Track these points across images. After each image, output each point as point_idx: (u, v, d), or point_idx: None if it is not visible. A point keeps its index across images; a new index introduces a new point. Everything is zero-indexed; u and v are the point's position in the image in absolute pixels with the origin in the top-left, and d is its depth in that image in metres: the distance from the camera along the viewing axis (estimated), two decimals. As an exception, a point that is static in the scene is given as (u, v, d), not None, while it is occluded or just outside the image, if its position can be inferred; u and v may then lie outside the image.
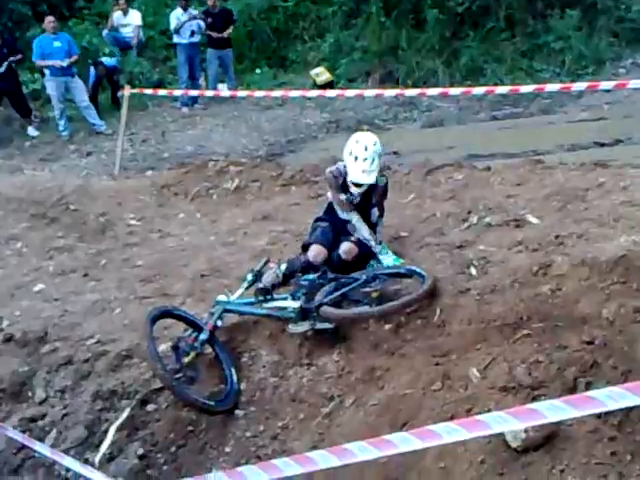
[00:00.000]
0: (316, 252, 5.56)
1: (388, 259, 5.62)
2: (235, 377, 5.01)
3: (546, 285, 4.79)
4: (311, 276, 5.31)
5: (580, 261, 4.87)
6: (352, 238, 5.64)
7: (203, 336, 5.08)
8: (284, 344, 5.18)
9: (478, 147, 10.21)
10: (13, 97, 12.89)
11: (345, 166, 5.63)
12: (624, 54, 14.82)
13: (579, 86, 9.84)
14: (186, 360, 4.92)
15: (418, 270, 5.25)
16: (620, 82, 9.37)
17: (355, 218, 5.71)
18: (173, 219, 7.89)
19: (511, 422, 2.93)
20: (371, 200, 5.72)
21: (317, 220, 5.92)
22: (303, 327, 5.03)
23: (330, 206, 5.92)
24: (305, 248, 5.70)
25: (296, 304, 5.13)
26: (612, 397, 2.69)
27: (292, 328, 5.07)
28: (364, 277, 5.28)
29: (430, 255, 5.67)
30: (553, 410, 2.80)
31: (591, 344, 4.27)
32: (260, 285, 5.37)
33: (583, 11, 15.06)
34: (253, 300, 5.33)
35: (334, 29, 15.67)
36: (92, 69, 13.56)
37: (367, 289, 5.14)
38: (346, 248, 5.56)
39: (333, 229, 5.74)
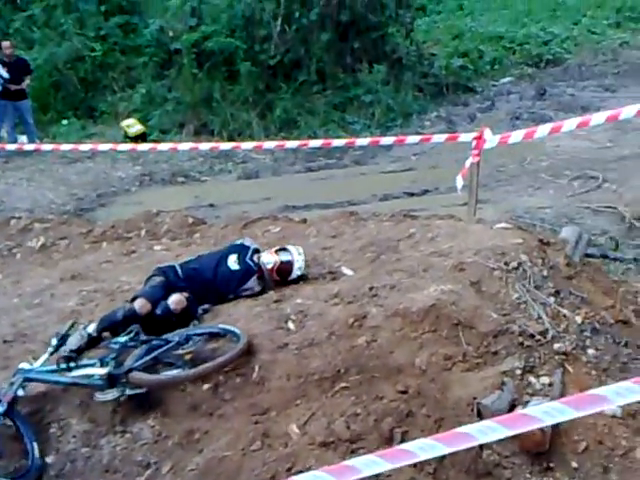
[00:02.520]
0: (141, 304, 5.48)
1: None
2: (37, 451, 4.68)
3: (362, 337, 4.85)
4: (122, 338, 5.07)
5: (393, 312, 4.97)
6: (184, 293, 5.57)
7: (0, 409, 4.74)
8: (96, 412, 4.89)
9: (294, 198, 10.38)
10: None
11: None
12: (429, 107, 15.71)
13: (387, 140, 10.25)
14: None
15: (232, 329, 5.11)
16: (425, 137, 9.85)
17: None
18: (-29, 281, 7.35)
19: (328, 480, 2.91)
20: None
21: (152, 274, 5.87)
22: (112, 395, 4.79)
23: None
24: (134, 300, 5.60)
25: (103, 371, 4.87)
26: (423, 448, 2.76)
27: (99, 397, 4.82)
28: (177, 338, 5.08)
29: (248, 310, 5.60)
30: (368, 465, 2.84)
31: (405, 393, 4.38)
32: (63, 351, 5.12)
33: (390, 66, 15.87)
34: (56, 367, 5.03)
35: (145, 80, 15.48)
36: None
37: (180, 351, 4.96)
38: (176, 299, 5.49)
39: (166, 285, 5.65)
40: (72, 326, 5.27)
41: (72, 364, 5.01)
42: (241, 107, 14.80)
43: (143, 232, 7.76)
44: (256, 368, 4.86)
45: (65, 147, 10.70)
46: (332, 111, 15.06)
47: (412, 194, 10.69)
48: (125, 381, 4.79)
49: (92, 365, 5.00)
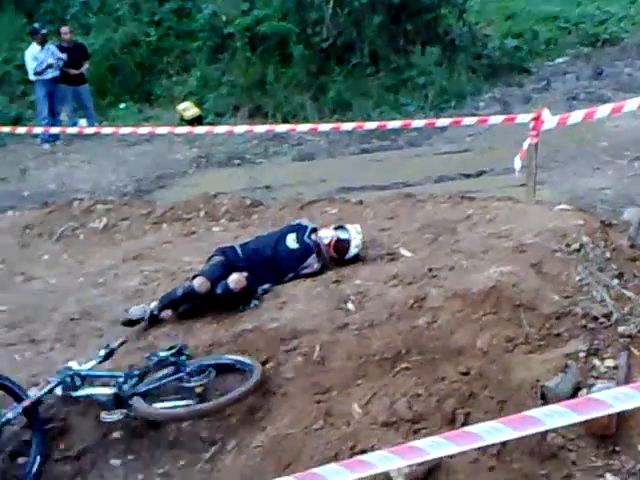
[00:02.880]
0: (200, 282, 5.57)
1: None
2: (36, 466, 4.64)
3: (422, 318, 4.87)
4: (163, 353, 4.91)
5: (453, 293, 4.98)
6: (244, 273, 5.61)
7: (18, 408, 4.68)
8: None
9: (349, 180, 10.37)
10: None
11: None
12: (483, 88, 15.48)
13: (443, 122, 10.15)
14: None
15: (247, 361, 4.87)
16: (481, 118, 9.75)
17: None
18: (38, 261, 7.52)
19: (394, 460, 2.94)
20: None
21: (213, 254, 5.95)
22: (117, 416, 4.69)
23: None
24: (194, 278, 5.69)
25: (110, 390, 4.75)
26: (489, 431, 2.76)
27: (105, 416, 4.72)
28: (190, 368, 4.82)
29: (307, 291, 5.65)
30: (434, 446, 2.84)
31: (467, 375, 4.38)
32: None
33: (443, 48, 15.67)
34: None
35: (200, 63, 15.60)
36: None
37: (192, 384, 4.73)
38: (235, 278, 5.53)
39: (225, 265, 5.72)
40: (122, 344, 5.16)
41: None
42: (294, 90, 14.81)
43: (202, 213, 7.84)
44: (317, 348, 4.91)
45: (124, 130, 10.86)
46: (385, 93, 14.97)
47: (467, 175, 10.60)
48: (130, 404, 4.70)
49: (108, 377, 4.93)
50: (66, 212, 8.33)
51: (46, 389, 4.80)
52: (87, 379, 4.89)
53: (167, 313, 5.64)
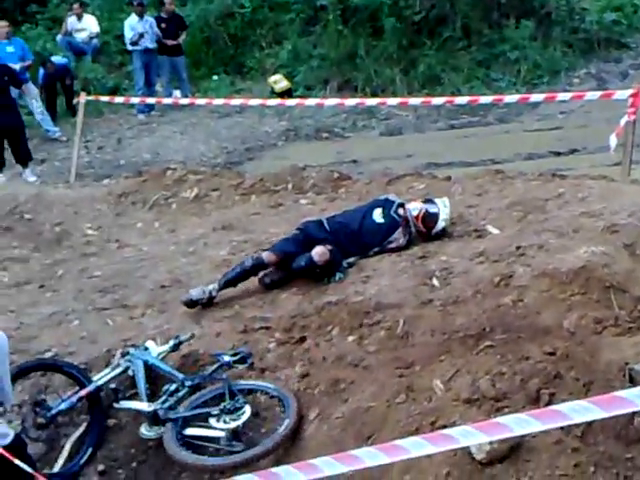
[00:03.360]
0: (268, 255, 5.74)
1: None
2: (86, 457, 4.62)
3: (508, 296, 4.83)
4: (228, 357, 4.72)
5: (541, 272, 4.91)
6: (328, 246, 5.66)
7: (74, 399, 4.68)
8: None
9: (437, 156, 10.30)
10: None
11: None
12: (578, 64, 15.05)
13: (537, 97, 9.95)
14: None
15: (283, 394, 4.61)
16: (576, 94, 9.52)
17: None
18: (131, 229, 7.77)
19: (478, 436, 2.95)
20: None
21: (299, 226, 6.07)
22: (154, 433, 4.59)
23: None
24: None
25: (150, 407, 4.61)
26: (576, 410, 2.73)
27: (143, 431, 4.63)
28: (220, 390, 4.61)
29: (392, 265, 5.67)
30: (519, 423, 2.83)
31: (553, 355, 4.31)
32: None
33: (538, 22, 15.27)
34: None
35: (292, 36, 15.62)
36: (41, 69, 13.30)
37: (228, 424, 4.40)
38: (319, 251, 5.60)
39: (303, 239, 5.79)
40: (191, 337, 5.09)
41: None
42: (384, 63, 14.70)
43: (290, 186, 7.93)
44: (400, 322, 4.93)
45: (217, 102, 11.05)
46: (476, 68, 14.71)
47: (559, 153, 10.38)
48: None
49: (173, 374, 4.82)
50: (159, 181, 8.55)
51: (107, 378, 4.81)
52: (153, 368, 4.85)
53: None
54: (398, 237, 5.92)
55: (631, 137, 7.01)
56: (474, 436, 2.94)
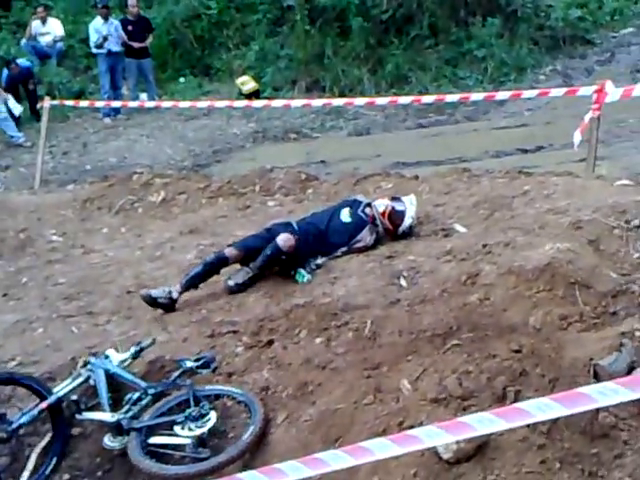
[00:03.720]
0: (230, 251, 5.75)
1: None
2: (50, 468, 4.54)
3: (475, 294, 4.83)
4: (190, 363, 4.66)
5: (507, 270, 4.91)
6: (295, 235, 5.66)
7: (35, 411, 4.55)
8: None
9: (405, 155, 10.32)
10: None
11: None
12: (544, 61, 15.18)
13: (503, 95, 10.02)
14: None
15: (249, 399, 4.54)
16: (542, 91, 9.57)
17: None
18: (97, 234, 7.70)
19: (443, 436, 2.94)
20: None
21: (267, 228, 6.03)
22: (118, 444, 4.48)
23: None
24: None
25: (113, 417, 4.50)
26: (540, 408, 2.72)
27: (107, 441, 4.51)
28: (183, 397, 4.52)
29: (360, 266, 5.65)
30: (483, 422, 2.83)
31: (519, 352, 4.30)
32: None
33: (504, 19, 15.39)
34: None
35: (259, 37, 15.60)
36: (5, 70, 13.14)
37: (193, 431, 4.32)
38: (284, 237, 5.59)
39: (268, 237, 5.75)
40: (153, 343, 4.99)
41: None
42: (352, 63, 14.73)
43: (257, 188, 7.90)
44: (368, 323, 4.91)
45: (184, 104, 10.99)
46: (444, 66, 14.80)
47: (525, 151, 10.45)
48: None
49: (135, 382, 4.73)
50: (126, 186, 8.48)
51: (67, 389, 4.69)
52: (114, 377, 4.76)
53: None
54: (365, 236, 5.91)
55: (595, 133, 7.05)
56: (439, 436, 2.94)
